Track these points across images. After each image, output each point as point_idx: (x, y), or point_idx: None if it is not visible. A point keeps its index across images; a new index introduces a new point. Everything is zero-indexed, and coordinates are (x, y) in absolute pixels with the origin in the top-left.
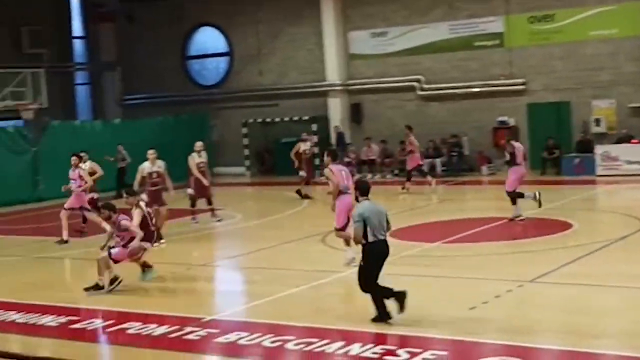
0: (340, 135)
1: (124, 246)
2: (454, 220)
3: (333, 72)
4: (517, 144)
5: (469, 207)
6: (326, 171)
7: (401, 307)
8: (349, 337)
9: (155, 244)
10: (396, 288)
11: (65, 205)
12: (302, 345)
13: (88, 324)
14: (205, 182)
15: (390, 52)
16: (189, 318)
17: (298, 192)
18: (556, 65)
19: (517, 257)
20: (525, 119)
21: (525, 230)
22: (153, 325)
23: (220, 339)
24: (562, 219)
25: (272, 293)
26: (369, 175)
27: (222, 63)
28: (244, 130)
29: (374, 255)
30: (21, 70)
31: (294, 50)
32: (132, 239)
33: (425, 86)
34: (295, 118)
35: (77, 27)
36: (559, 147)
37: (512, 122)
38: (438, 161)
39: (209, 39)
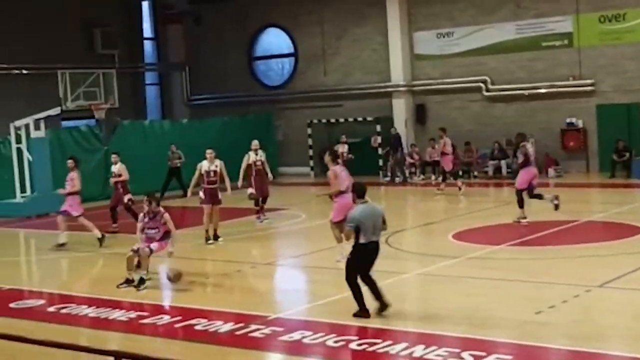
0: (396, 137)
1: (160, 240)
2: None
3: (398, 73)
4: (528, 145)
5: (534, 210)
6: (330, 173)
7: (381, 308)
8: (412, 339)
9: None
10: (383, 296)
11: (75, 214)
12: (365, 346)
13: (157, 319)
14: (262, 178)
15: (455, 53)
16: (254, 316)
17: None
18: (627, 66)
19: (584, 261)
20: (594, 121)
21: (593, 234)
22: (219, 322)
23: (285, 337)
24: (632, 223)
25: (336, 293)
26: (433, 177)
27: (286, 63)
28: (309, 130)
29: (362, 255)
30: (94, 70)
31: (359, 51)
32: (165, 233)
33: (491, 87)
34: (359, 118)
35: (147, 29)
36: (630, 149)
37: (580, 123)
38: (503, 163)
39: (274, 39)
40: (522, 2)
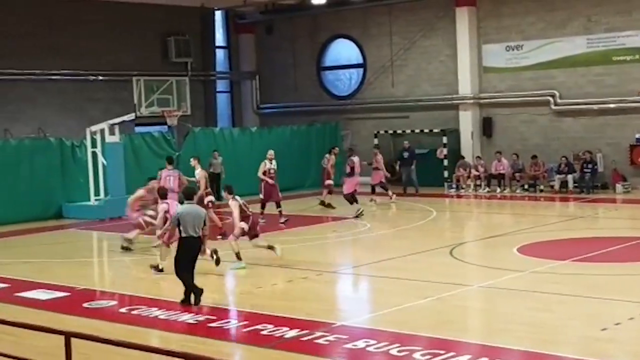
0: (411, 152)
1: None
2: (585, 238)
3: (465, 85)
4: (355, 158)
5: (601, 225)
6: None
7: (196, 301)
8: (475, 351)
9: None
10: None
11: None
12: (428, 357)
13: (224, 323)
14: (271, 182)
15: (524, 66)
16: (320, 323)
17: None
18: None
19: None
20: None
21: None
22: (285, 328)
23: (349, 345)
24: None
25: (400, 303)
26: (498, 189)
27: (354, 74)
28: (375, 140)
29: (182, 247)
30: (167, 78)
31: (427, 62)
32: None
33: (559, 101)
34: (426, 130)
35: (219, 38)
36: None
37: None
38: (570, 177)
39: (343, 50)
40: (594, 16)
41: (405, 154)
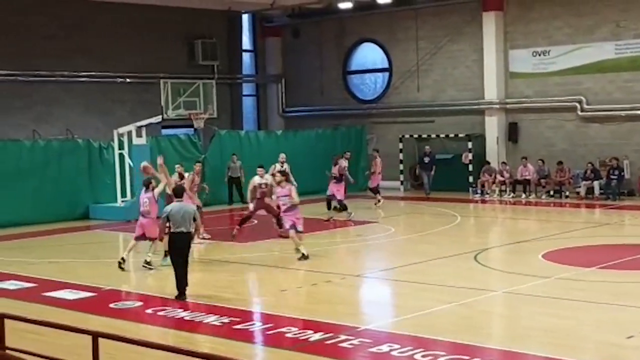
0: (432, 156)
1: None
2: (611, 245)
3: (491, 90)
4: (343, 162)
5: (627, 232)
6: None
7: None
8: (499, 357)
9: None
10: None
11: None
12: None
13: (248, 325)
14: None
15: (551, 71)
16: (344, 326)
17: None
18: None
19: None
20: None
21: None
22: (310, 331)
23: (373, 349)
24: None
25: (424, 307)
26: (523, 195)
27: (380, 78)
28: (400, 145)
29: (172, 241)
30: (194, 81)
31: (453, 67)
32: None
33: (587, 107)
34: (451, 135)
35: (246, 41)
36: None
37: None
38: (596, 184)
39: (369, 54)
40: (622, 21)
41: (426, 159)
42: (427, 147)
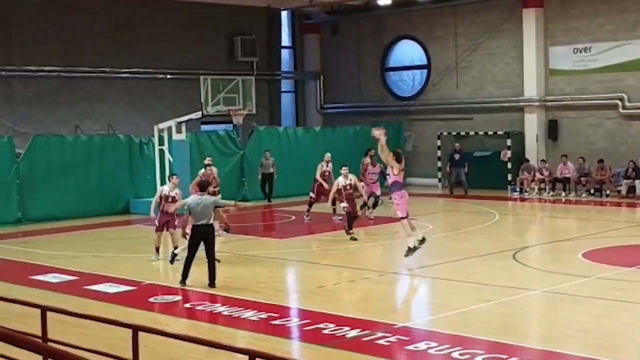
0: (458, 152)
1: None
2: None
3: (531, 88)
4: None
5: None
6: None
7: (211, 283)
8: (537, 356)
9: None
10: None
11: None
12: None
13: (286, 321)
14: (326, 186)
15: (592, 68)
16: (381, 323)
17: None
18: None
19: None
20: None
21: None
22: (347, 328)
23: (410, 347)
24: None
25: (462, 306)
26: (563, 194)
27: (418, 75)
28: (438, 142)
29: (195, 233)
30: (234, 77)
31: (492, 64)
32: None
33: (628, 104)
34: (490, 132)
35: (285, 38)
36: None
37: None
38: (638, 182)
39: (407, 50)
40: None
41: (457, 156)
42: (456, 144)
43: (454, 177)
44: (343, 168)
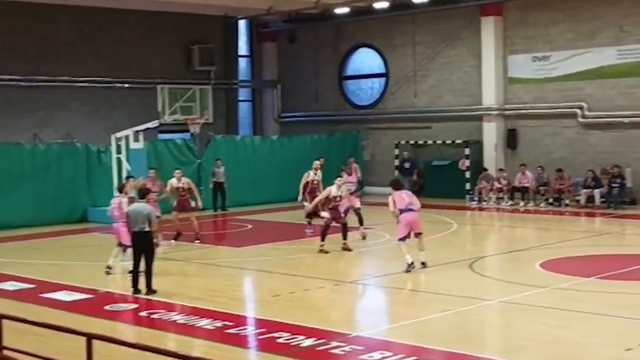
0: (408, 161)
1: None
2: (611, 255)
3: (490, 96)
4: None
5: (627, 242)
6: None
7: (136, 291)
8: None
9: None
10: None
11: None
12: None
13: (241, 329)
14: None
15: (551, 77)
16: (336, 333)
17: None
18: None
19: None
20: None
21: None
22: (301, 337)
23: (364, 356)
24: None
25: (418, 315)
26: (522, 203)
27: (376, 83)
28: (396, 151)
29: (134, 239)
30: (191, 86)
31: (450, 73)
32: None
33: (587, 113)
34: (448, 141)
35: (242, 47)
36: None
37: None
38: (597, 192)
39: (365, 59)
40: (626, 26)
41: (406, 164)
42: (405, 152)
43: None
44: (338, 179)
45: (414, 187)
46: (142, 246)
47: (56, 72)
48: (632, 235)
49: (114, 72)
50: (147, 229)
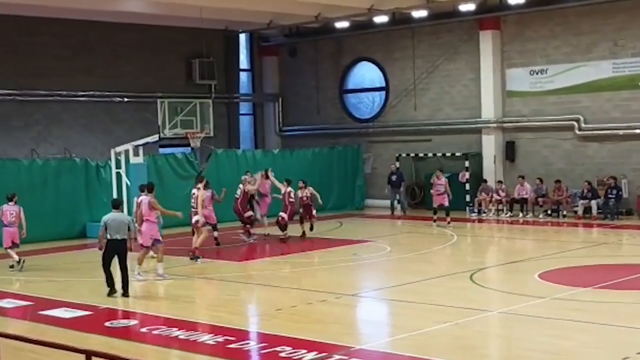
0: (395, 174)
1: None
2: (608, 265)
3: (488, 109)
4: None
5: (625, 252)
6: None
7: (111, 292)
8: None
9: None
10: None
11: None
12: None
13: (243, 344)
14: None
15: (548, 90)
16: (338, 346)
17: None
18: None
19: None
20: None
21: None
22: (303, 351)
23: None
24: None
25: (419, 327)
26: (521, 214)
27: (376, 97)
28: (397, 164)
29: (108, 247)
30: (191, 100)
31: (450, 86)
32: None
33: (584, 126)
34: (448, 154)
35: (243, 60)
36: None
37: None
38: (594, 203)
39: (366, 73)
40: (620, 40)
41: (394, 177)
42: (392, 165)
43: (392, 197)
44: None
45: (404, 200)
46: (117, 253)
47: (51, 86)
48: (628, 245)
49: (113, 85)
50: (124, 237)
